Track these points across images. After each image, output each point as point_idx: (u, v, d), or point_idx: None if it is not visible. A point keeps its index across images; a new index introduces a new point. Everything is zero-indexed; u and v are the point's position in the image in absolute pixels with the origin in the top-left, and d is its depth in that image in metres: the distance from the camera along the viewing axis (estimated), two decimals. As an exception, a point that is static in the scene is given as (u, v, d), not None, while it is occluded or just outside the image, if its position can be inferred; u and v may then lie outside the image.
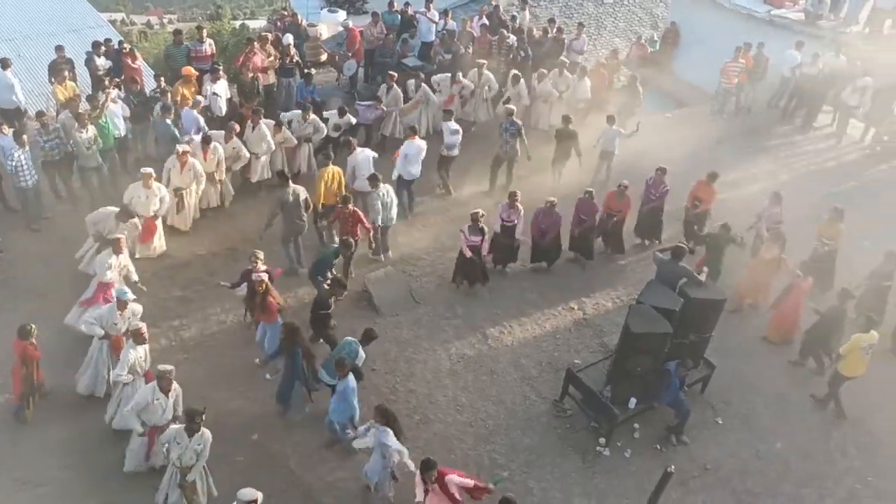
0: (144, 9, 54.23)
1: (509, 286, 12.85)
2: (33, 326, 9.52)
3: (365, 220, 11.93)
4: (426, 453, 9.81)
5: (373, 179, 12.21)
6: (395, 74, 15.71)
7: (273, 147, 13.74)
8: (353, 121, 14.88)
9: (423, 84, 15.79)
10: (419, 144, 13.59)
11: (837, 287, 11.74)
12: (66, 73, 14.31)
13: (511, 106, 15.23)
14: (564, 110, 16.35)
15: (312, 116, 14.17)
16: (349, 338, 9.90)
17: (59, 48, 14.88)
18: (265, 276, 10.27)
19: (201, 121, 13.79)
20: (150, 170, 11.90)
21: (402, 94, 15.55)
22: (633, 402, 10.12)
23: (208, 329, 11.33)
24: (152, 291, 11.41)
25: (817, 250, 12.70)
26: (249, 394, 10.37)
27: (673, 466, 7.63)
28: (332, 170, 12.66)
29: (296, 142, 14.06)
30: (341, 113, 14.67)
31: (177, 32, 16.52)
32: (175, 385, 8.74)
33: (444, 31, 17.62)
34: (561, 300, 12.71)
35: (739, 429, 10.78)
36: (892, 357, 11.98)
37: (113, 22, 35.65)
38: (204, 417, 8.23)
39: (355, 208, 11.97)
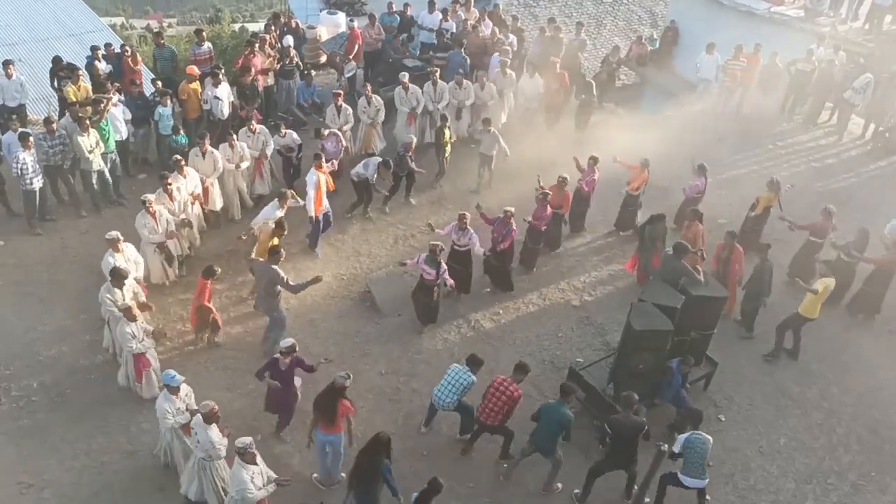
0: (144, 13, 54.43)
1: (511, 285, 12.85)
2: (219, 269, 10.78)
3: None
4: (430, 454, 9.90)
5: None
6: (342, 93, 14.75)
7: (221, 170, 12.74)
8: (299, 140, 13.86)
9: (368, 93, 14.88)
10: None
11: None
12: (80, 73, 14.31)
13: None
14: (513, 112, 16.06)
15: (260, 128, 13.43)
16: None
17: (56, 59, 14.94)
18: (347, 380, 8.61)
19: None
20: (115, 234, 10.60)
21: (352, 111, 14.62)
22: (635, 399, 10.13)
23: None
24: (154, 299, 11.28)
25: (748, 215, 13.39)
26: (254, 394, 10.38)
27: (665, 445, 7.60)
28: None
29: (248, 162, 13.06)
30: (279, 130, 13.70)
31: (157, 35, 17.02)
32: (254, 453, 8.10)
33: (444, 33, 17.64)
34: (562, 299, 12.72)
35: (742, 425, 10.80)
36: (858, 328, 12.41)
37: (112, 26, 35.75)
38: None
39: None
